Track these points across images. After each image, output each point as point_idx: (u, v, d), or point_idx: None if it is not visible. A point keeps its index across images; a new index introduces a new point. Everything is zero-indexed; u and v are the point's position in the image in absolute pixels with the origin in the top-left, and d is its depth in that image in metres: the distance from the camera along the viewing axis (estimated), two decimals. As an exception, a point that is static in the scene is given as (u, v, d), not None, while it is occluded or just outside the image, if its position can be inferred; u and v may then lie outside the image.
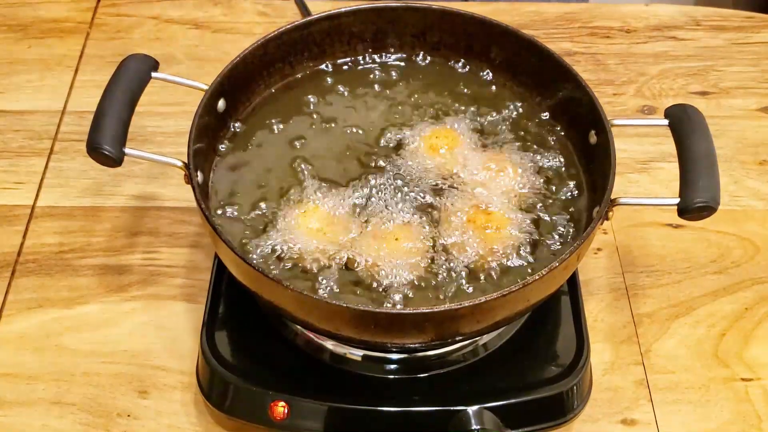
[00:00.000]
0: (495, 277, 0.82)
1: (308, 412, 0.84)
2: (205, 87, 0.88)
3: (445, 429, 0.83)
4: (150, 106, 1.08)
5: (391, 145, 0.91)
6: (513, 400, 0.84)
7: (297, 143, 0.92)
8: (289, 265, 0.82)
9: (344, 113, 0.95)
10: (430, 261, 0.82)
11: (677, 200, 0.80)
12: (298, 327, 0.88)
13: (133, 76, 0.86)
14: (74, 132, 1.12)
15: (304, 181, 0.88)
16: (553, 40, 1.25)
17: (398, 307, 0.79)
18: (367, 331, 0.77)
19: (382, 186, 0.87)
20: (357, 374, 0.87)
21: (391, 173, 0.88)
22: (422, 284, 0.81)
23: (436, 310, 0.74)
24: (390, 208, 0.86)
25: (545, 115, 0.94)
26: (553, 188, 0.88)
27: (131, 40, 1.24)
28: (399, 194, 0.87)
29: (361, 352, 0.87)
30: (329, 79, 0.98)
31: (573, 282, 0.92)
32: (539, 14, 1.29)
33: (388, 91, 0.97)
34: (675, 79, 1.21)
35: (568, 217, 0.86)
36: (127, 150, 0.82)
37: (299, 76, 0.97)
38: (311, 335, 0.88)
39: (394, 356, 0.87)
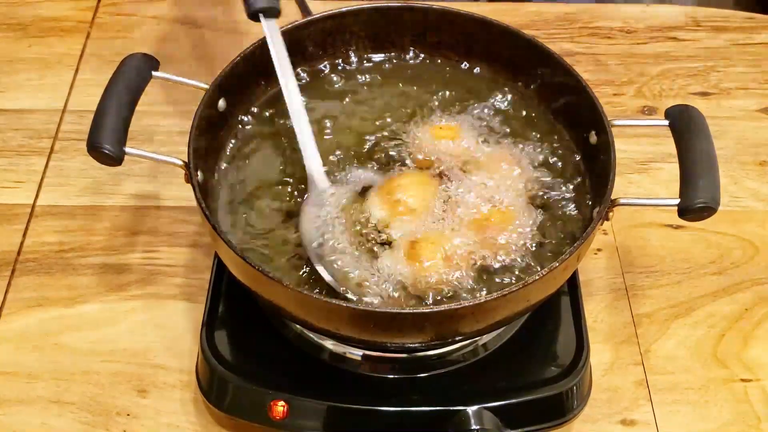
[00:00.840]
0: (493, 276, 0.82)
1: (307, 412, 0.84)
2: (206, 86, 0.88)
3: (444, 429, 0.83)
4: (150, 105, 1.08)
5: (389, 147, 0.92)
6: (513, 400, 0.84)
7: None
8: None
9: (345, 111, 0.95)
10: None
11: (677, 201, 0.80)
12: (298, 326, 0.88)
13: (133, 76, 0.86)
14: (74, 131, 1.12)
15: None
16: (554, 40, 1.25)
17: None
18: (367, 331, 0.77)
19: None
20: (356, 374, 0.87)
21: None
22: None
23: (435, 309, 0.74)
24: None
25: (545, 115, 0.94)
26: (553, 188, 0.88)
27: (132, 39, 1.24)
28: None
29: (360, 352, 0.87)
30: (329, 79, 0.98)
31: (573, 282, 0.92)
32: (540, 14, 1.29)
33: (388, 91, 0.97)
34: (675, 79, 1.21)
35: (568, 217, 0.86)
36: (127, 149, 0.82)
37: (299, 75, 0.97)
38: (311, 334, 0.88)
39: (394, 356, 0.87)
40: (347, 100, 0.96)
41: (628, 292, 0.99)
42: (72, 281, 0.98)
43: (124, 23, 1.26)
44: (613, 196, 0.81)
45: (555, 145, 0.92)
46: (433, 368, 0.87)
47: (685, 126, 0.85)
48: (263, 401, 0.83)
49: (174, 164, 0.83)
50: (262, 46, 0.92)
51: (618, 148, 0.84)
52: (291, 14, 1.25)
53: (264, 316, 0.90)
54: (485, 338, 0.88)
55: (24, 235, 1.02)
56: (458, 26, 0.96)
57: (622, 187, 1.07)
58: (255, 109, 0.94)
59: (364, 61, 0.99)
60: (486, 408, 0.83)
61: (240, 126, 0.93)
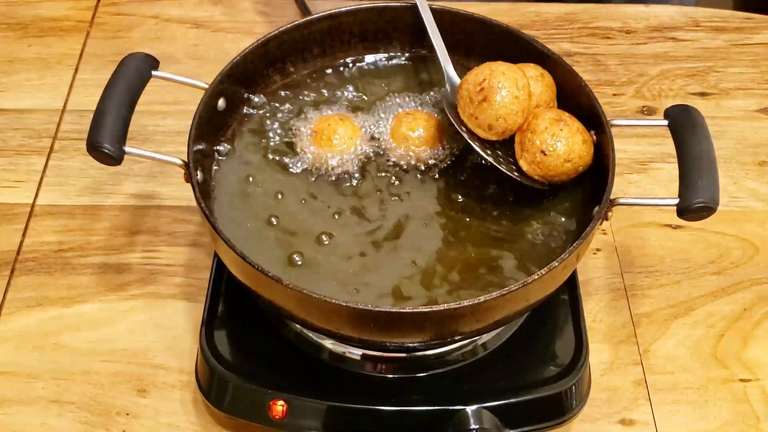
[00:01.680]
0: (493, 274, 0.82)
1: (307, 411, 0.84)
2: (206, 86, 0.88)
3: (443, 428, 0.83)
4: (150, 104, 1.07)
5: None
6: (512, 400, 0.84)
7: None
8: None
9: (344, 111, 0.95)
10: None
11: (677, 200, 0.80)
12: (298, 326, 0.88)
13: (133, 75, 0.86)
14: (74, 130, 1.12)
15: None
16: (553, 40, 1.25)
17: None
18: (366, 330, 0.77)
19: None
20: (356, 373, 0.87)
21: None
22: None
23: (435, 309, 0.74)
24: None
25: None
26: (553, 188, 0.88)
27: (131, 39, 1.24)
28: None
29: (360, 351, 0.87)
30: (329, 79, 0.98)
31: (572, 282, 0.92)
32: (539, 15, 1.29)
33: (388, 90, 0.97)
34: (674, 79, 1.21)
35: (568, 217, 0.87)
36: (127, 148, 0.82)
37: (299, 75, 0.97)
38: (310, 334, 0.88)
39: (394, 355, 0.87)
40: (346, 101, 0.96)
41: (627, 292, 0.99)
42: (72, 281, 0.98)
43: (123, 23, 1.26)
44: (612, 196, 0.81)
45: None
46: (432, 368, 0.87)
47: (684, 126, 0.85)
48: (263, 401, 0.83)
49: (174, 164, 0.83)
50: (262, 45, 0.92)
51: (617, 148, 0.84)
52: (291, 14, 1.26)
53: (264, 316, 0.90)
54: (484, 338, 0.88)
55: (23, 234, 1.02)
56: (458, 26, 0.96)
57: (621, 186, 1.07)
58: (255, 109, 0.94)
59: (364, 61, 0.99)
60: (485, 407, 0.83)
61: (240, 125, 0.93)
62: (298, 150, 0.91)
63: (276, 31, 0.93)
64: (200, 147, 0.86)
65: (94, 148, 0.81)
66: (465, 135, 0.86)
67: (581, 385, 0.87)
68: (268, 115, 0.94)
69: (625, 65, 1.23)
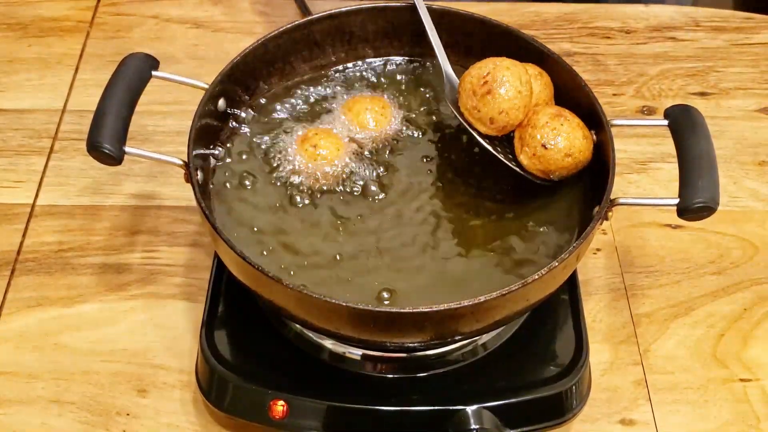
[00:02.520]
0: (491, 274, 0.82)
1: (307, 411, 0.84)
2: (206, 86, 0.88)
3: (444, 428, 0.83)
4: (150, 105, 1.07)
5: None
6: (512, 400, 0.84)
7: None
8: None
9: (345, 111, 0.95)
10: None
11: (677, 200, 0.80)
12: (298, 326, 0.88)
13: (133, 75, 0.86)
14: (74, 131, 1.12)
15: None
16: (553, 40, 1.25)
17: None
18: (366, 330, 0.77)
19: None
20: (356, 373, 0.87)
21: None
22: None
23: (435, 309, 0.74)
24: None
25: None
26: (553, 188, 0.88)
27: (131, 39, 1.24)
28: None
29: (360, 351, 0.87)
30: (329, 79, 0.98)
31: (572, 282, 0.92)
32: (539, 15, 1.29)
33: (387, 90, 0.97)
34: (674, 79, 1.21)
35: (568, 217, 0.87)
36: (127, 148, 0.82)
37: (299, 75, 0.97)
38: (310, 334, 0.88)
39: (393, 355, 0.87)
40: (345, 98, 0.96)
41: (627, 292, 0.99)
42: (72, 281, 0.98)
43: (123, 23, 1.26)
44: (612, 196, 0.81)
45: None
46: (432, 368, 0.87)
47: (684, 126, 0.85)
48: (263, 401, 0.83)
49: (174, 164, 0.83)
50: (262, 45, 0.92)
51: (617, 148, 0.84)
52: (291, 14, 1.26)
53: (264, 316, 0.90)
54: (485, 338, 0.88)
55: (24, 234, 1.02)
56: (458, 26, 0.96)
57: (621, 186, 1.07)
58: (255, 109, 0.94)
59: (364, 61, 0.99)
60: (485, 407, 0.83)
61: (240, 125, 0.93)
62: (294, 152, 0.91)
63: (276, 31, 0.93)
64: (200, 147, 0.86)
65: (94, 148, 0.81)
66: (472, 131, 0.86)
67: (581, 385, 0.87)
68: (268, 115, 0.94)
69: (624, 65, 1.23)
